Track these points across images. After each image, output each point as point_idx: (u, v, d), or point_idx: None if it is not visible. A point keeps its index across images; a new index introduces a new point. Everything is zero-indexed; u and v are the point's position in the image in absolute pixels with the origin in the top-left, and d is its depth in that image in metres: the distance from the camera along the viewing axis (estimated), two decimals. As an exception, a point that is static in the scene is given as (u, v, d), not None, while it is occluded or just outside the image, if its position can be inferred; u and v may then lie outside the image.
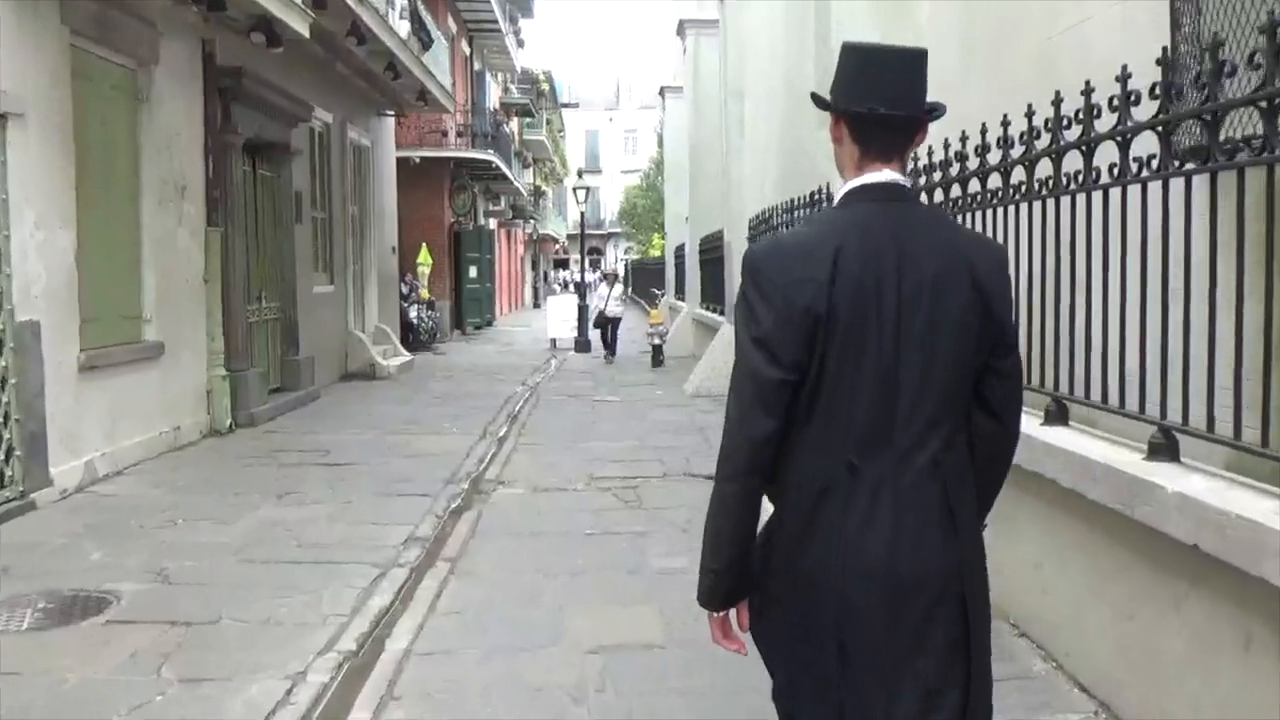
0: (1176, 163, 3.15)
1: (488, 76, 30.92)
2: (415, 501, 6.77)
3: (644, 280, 36.59)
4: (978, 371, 1.83)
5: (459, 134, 23.02)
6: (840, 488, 1.75)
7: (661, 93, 25.11)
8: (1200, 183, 3.06)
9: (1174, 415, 3.16)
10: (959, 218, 4.88)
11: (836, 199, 1.90)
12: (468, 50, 27.03)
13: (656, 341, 16.28)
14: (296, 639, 4.25)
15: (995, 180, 4.39)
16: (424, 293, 21.62)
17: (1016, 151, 4.18)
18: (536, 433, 9.68)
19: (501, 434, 9.73)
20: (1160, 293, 3.18)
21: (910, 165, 5.54)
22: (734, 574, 1.83)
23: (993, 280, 1.83)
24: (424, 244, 21.78)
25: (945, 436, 1.79)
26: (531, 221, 41.60)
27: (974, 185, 4.71)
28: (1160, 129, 3.19)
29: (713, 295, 15.41)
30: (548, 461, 8.16)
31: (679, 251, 22.69)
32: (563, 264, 63.84)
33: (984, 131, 4.45)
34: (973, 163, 4.66)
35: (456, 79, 25.09)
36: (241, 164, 10.17)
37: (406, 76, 14.37)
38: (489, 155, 23.76)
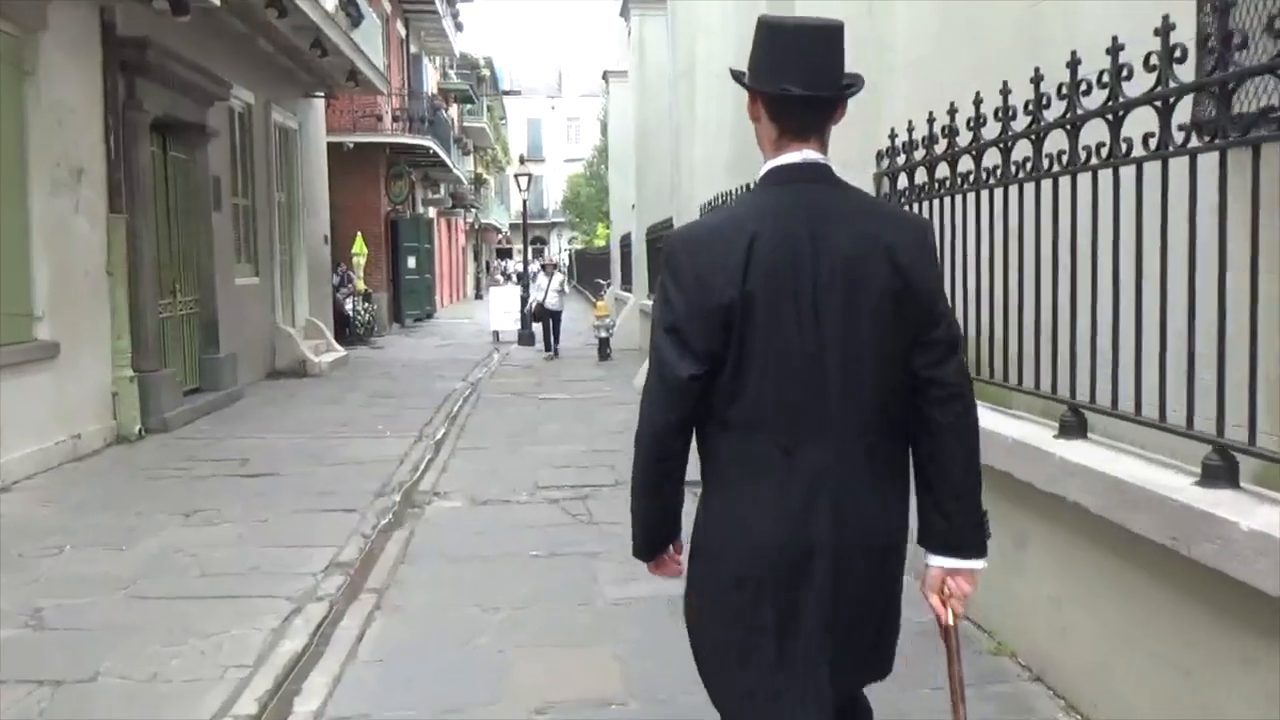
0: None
1: (425, 60, 29.91)
2: (340, 519, 6.08)
3: (589, 270, 35.89)
4: (908, 348, 1.81)
5: (395, 119, 22.10)
6: (775, 470, 1.78)
7: (605, 78, 24.41)
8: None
9: (1233, 431, 2.65)
10: (949, 200, 4.38)
11: (758, 180, 1.87)
12: (403, 32, 26.04)
13: (602, 335, 15.66)
14: (185, 701, 3.57)
15: (996, 158, 3.86)
16: (359, 284, 20.73)
17: (1021, 124, 3.65)
18: (477, 435, 9.01)
19: (439, 436, 9.05)
20: (1218, 285, 2.66)
21: (890, 142, 5.05)
22: (657, 533, 1.97)
23: (913, 257, 1.81)
24: (359, 233, 20.87)
25: (874, 417, 1.81)
26: (473, 211, 40.62)
27: (965, 164, 4.18)
28: (1158, 104, 2.86)
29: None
30: (489, 469, 7.51)
31: (625, 241, 22.08)
32: (505, 254, 62.79)
33: (978, 104, 3.93)
34: (964, 138, 4.14)
35: (391, 61, 24.13)
36: (149, 145, 9.32)
37: (335, 55, 13.51)
38: (426, 141, 22.86)
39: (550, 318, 16.43)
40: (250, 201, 12.83)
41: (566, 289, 16.39)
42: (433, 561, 5.23)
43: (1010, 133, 3.75)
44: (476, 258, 49.72)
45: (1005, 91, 3.74)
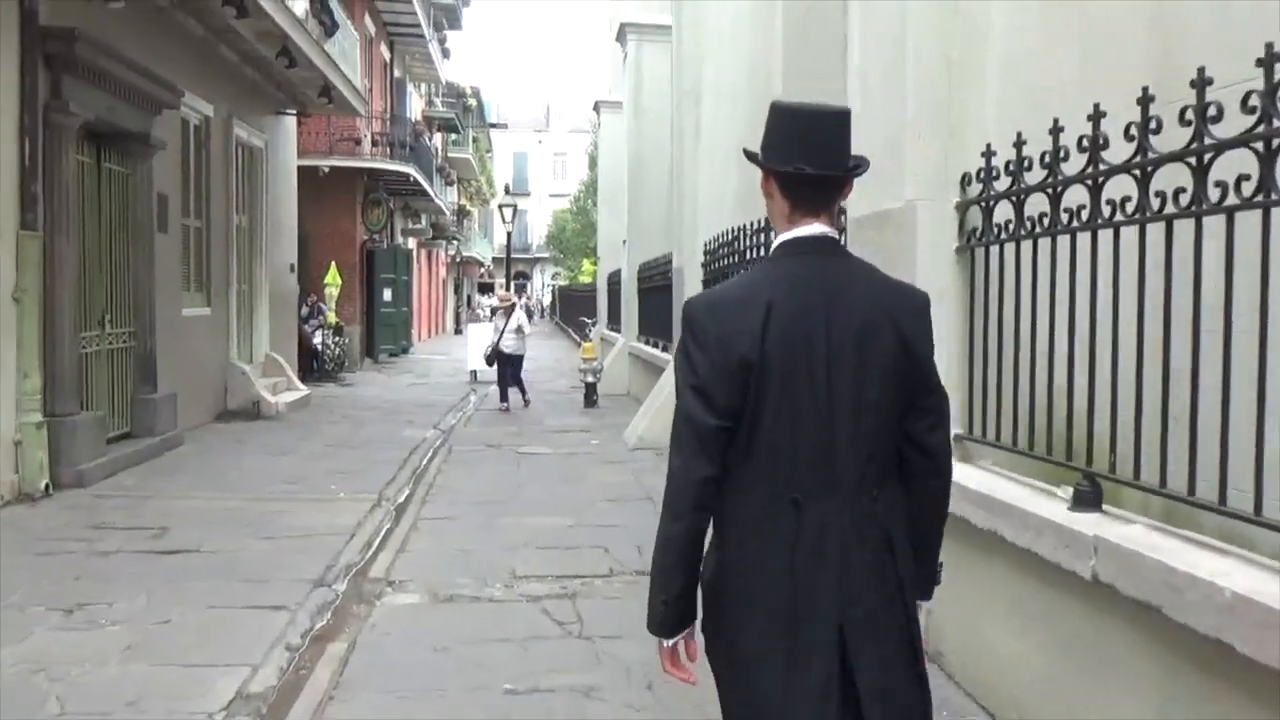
0: None
1: (409, 86, 28.87)
2: (265, 620, 4.79)
3: (573, 308, 34.73)
4: (903, 411, 1.95)
5: (374, 143, 20.94)
6: (788, 525, 1.88)
7: (596, 108, 23.39)
8: None
9: None
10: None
11: (771, 252, 2.02)
12: (388, 55, 25.01)
13: (589, 379, 14.42)
14: None
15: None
16: (330, 316, 19.44)
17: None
18: (446, 500, 7.73)
19: (401, 500, 7.76)
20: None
21: (984, 162, 3.93)
22: (683, 603, 1.95)
23: (914, 326, 1.96)
24: (333, 263, 19.61)
25: (879, 476, 1.93)
26: (454, 242, 39.41)
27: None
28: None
29: (655, 328, 13.65)
30: (457, 548, 6.23)
31: (614, 278, 20.92)
32: (488, 289, 61.62)
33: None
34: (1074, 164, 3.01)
35: (374, 84, 23.06)
36: (77, 153, 8.08)
37: (306, 67, 12.36)
38: (407, 168, 21.71)
39: (509, 364, 13.92)
40: (204, 224, 11.58)
41: (528, 329, 14.05)
42: (373, 698, 3.94)
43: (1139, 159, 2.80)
44: (457, 291, 48.48)
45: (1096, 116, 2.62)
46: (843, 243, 2.15)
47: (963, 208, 4.14)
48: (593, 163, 42.61)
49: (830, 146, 1.94)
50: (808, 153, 1.92)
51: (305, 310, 19.22)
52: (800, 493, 1.88)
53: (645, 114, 17.35)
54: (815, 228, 1.95)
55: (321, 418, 12.64)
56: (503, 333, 13.96)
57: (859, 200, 4.73)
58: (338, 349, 19.31)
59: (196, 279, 11.42)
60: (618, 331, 19.11)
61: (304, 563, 5.77)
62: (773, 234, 2.07)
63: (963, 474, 3.66)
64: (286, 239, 15.12)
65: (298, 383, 14.06)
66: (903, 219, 4.26)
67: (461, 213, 38.09)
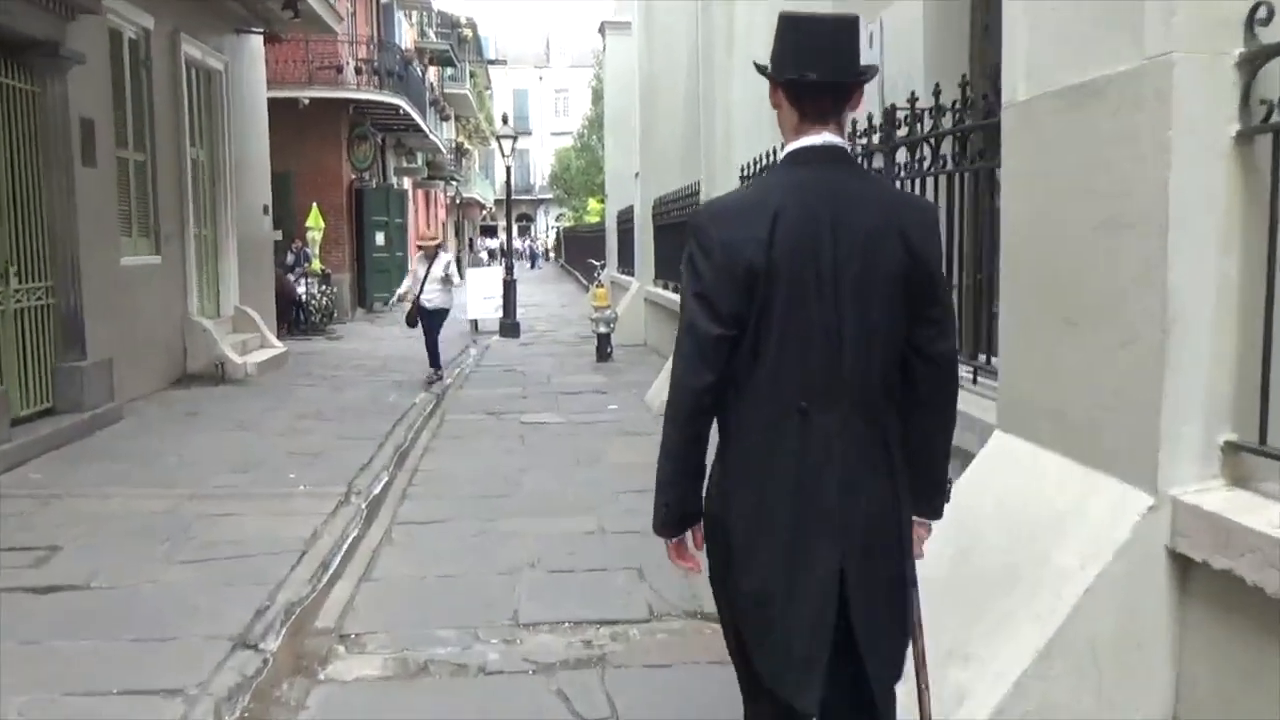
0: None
1: (399, 14, 26.79)
2: (150, 708, 3.24)
3: (579, 250, 32.95)
4: (909, 322, 1.93)
5: (358, 71, 19.05)
6: (793, 431, 1.89)
7: (601, 30, 21.38)
8: None
9: None
10: None
11: (780, 160, 2.01)
12: (373, -23, 22.95)
13: (602, 329, 12.76)
14: None
15: None
16: (315, 263, 17.77)
17: None
18: (430, 494, 6.15)
19: (377, 492, 6.21)
20: None
21: None
22: (684, 504, 1.99)
23: (922, 237, 1.93)
24: (314, 204, 17.87)
25: (884, 385, 1.93)
26: (454, 183, 37.50)
27: None
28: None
29: (676, 270, 11.93)
30: (439, 573, 4.66)
31: (624, 216, 19.16)
32: (490, 231, 59.75)
33: None
34: None
35: (357, 9, 21.09)
36: (-47, 62, 6.37)
37: (264, -30, 10.54)
38: (395, 99, 19.82)
39: (430, 320, 10.76)
40: (148, 157, 9.86)
41: (457, 278, 11.05)
42: None
43: None
44: (459, 234, 46.62)
45: None
46: (854, 152, 2.31)
47: (1250, 64, 2.47)
48: (597, 96, 40.49)
49: (838, 54, 1.92)
50: (815, 61, 1.90)
51: (291, 258, 17.58)
52: (807, 401, 1.87)
53: (658, 31, 15.45)
54: (823, 136, 1.94)
55: (297, 380, 11.05)
56: (423, 283, 10.61)
57: (1037, 72, 3.06)
58: (324, 299, 17.68)
59: (140, 222, 9.75)
60: (630, 274, 17.41)
61: (229, 602, 4.21)
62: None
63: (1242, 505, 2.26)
64: (258, 177, 13.40)
65: (273, 339, 12.44)
66: (1136, 89, 2.59)
67: (460, 151, 36.09)
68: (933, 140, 4.34)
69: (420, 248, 11.30)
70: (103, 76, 8.70)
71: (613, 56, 21.00)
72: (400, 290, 11.41)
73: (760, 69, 2.00)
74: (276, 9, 11.72)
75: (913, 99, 4.68)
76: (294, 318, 16.97)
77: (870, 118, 5.34)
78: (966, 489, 3.19)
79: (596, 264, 24.92)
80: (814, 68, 1.90)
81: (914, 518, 2.04)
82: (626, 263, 18.68)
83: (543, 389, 10.47)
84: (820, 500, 1.88)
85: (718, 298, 1.85)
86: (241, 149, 12.54)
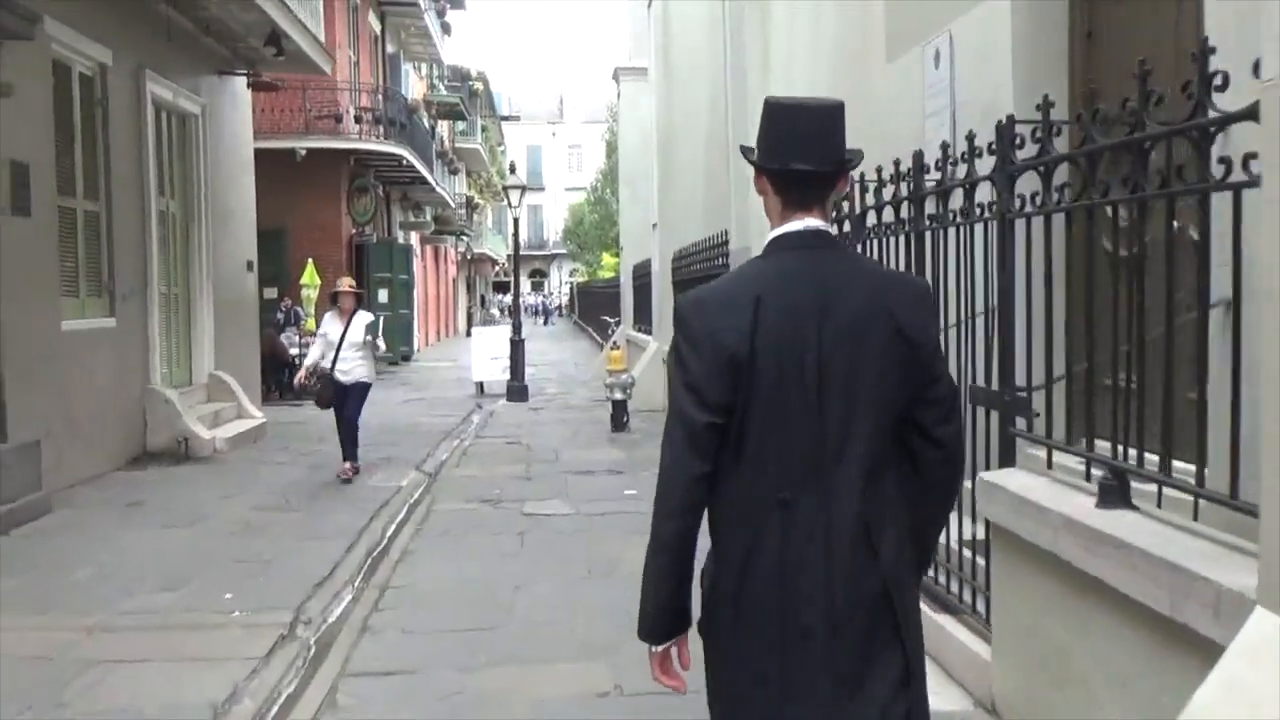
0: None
1: (405, 65, 26.04)
2: None
3: (593, 306, 31.85)
4: (908, 404, 1.91)
5: (358, 120, 18.07)
6: (775, 522, 1.85)
7: (616, 76, 20.43)
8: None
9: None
10: None
11: (764, 247, 2.00)
12: (377, 26, 22.16)
13: (618, 395, 11.46)
14: None
15: None
16: (309, 323, 16.58)
17: None
18: (399, 624, 4.80)
19: (330, 621, 4.87)
20: None
21: None
22: (673, 608, 1.90)
23: (912, 317, 1.90)
24: (310, 261, 16.76)
25: (870, 471, 1.88)
26: (464, 238, 36.57)
27: None
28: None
29: (699, 330, 10.66)
30: (390, 771, 3.30)
31: (640, 270, 17.98)
32: (503, 287, 58.89)
33: None
34: None
35: (361, 57, 20.24)
36: None
37: (241, 2, 9.47)
38: (398, 149, 18.80)
39: (345, 398, 8.33)
40: (101, 207, 8.71)
41: (381, 343, 8.67)
42: None
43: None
44: (470, 291, 45.67)
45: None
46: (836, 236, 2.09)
47: None
48: (611, 149, 39.72)
49: (823, 141, 1.91)
50: (799, 148, 1.89)
51: (280, 317, 16.44)
52: (788, 490, 1.85)
53: (676, 74, 14.41)
54: (807, 222, 1.93)
55: (272, 456, 9.77)
56: (338, 347, 8.14)
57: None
58: (320, 361, 16.44)
59: (91, 280, 8.56)
60: (647, 333, 16.16)
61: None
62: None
63: None
64: (241, 231, 12.26)
65: (251, 408, 11.17)
66: None
67: (470, 205, 35.20)
68: (1084, 160, 3.06)
69: (333, 299, 8.49)
70: (42, 114, 7.57)
71: (628, 104, 20.03)
72: (306, 363, 8.56)
73: (746, 156, 2.02)
74: (258, 46, 10.66)
75: (1047, 112, 3.39)
76: (285, 381, 15.78)
77: (942, 149, 4.08)
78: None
79: (611, 321, 23.78)
80: (799, 155, 1.90)
81: None
82: (643, 320, 17.46)
83: (550, 467, 9.13)
84: (803, 589, 1.84)
85: (705, 388, 1.85)
86: (222, 200, 11.42)
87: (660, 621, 1.90)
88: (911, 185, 4.57)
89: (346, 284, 8.60)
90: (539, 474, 8.80)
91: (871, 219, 5.27)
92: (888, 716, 1.86)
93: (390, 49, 23.50)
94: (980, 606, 3.97)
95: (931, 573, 4.45)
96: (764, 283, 1.90)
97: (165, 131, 10.14)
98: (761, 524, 1.85)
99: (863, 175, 5.40)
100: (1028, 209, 3.51)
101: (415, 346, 25.46)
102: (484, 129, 40.35)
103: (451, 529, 6.71)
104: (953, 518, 4.71)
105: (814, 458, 1.85)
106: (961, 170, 4.18)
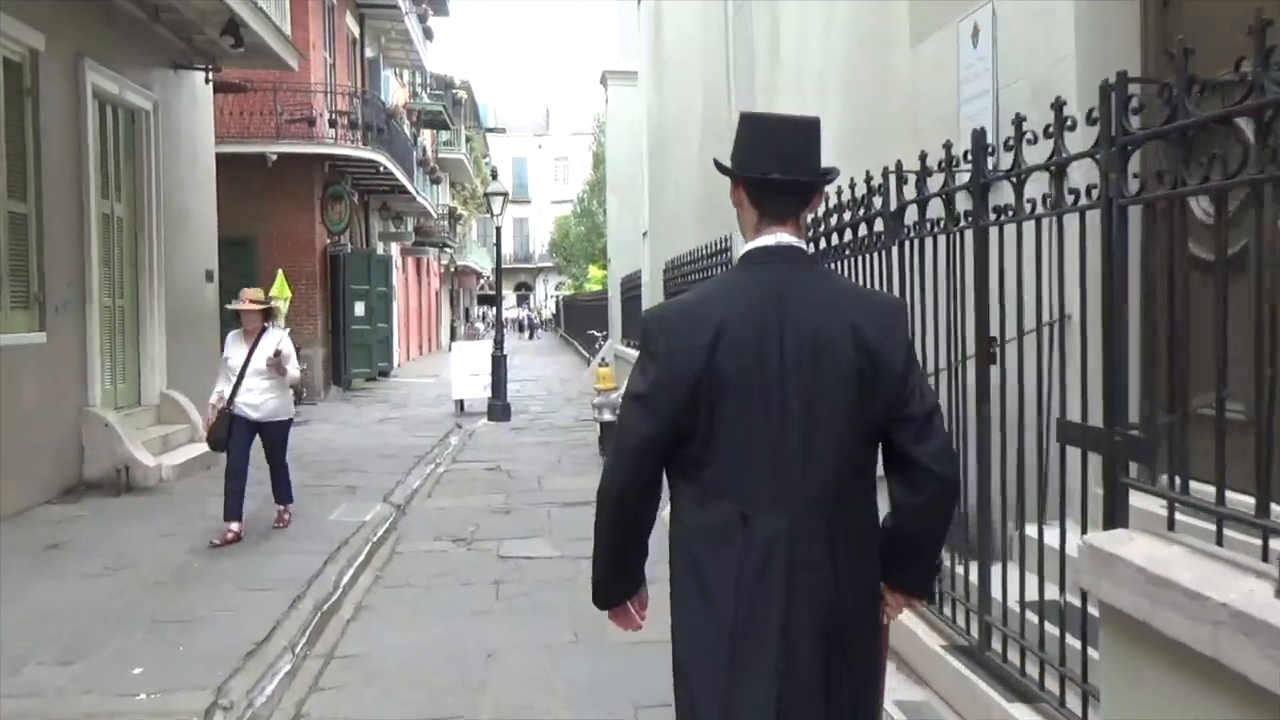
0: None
1: (387, 72, 25.18)
2: None
3: (580, 320, 30.98)
4: (886, 425, 1.90)
5: (332, 124, 17.17)
6: (735, 540, 1.85)
7: (603, 80, 19.65)
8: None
9: None
10: None
11: (736, 262, 2.02)
12: (355, 29, 21.30)
13: (606, 417, 10.56)
14: None
15: None
16: (279, 338, 15.64)
17: None
18: (339, 711, 3.91)
19: (257, 705, 3.97)
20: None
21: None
22: (610, 582, 2.05)
23: (879, 333, 1.89)
24: (280, 272, 15.81)
25: (836, 492, 1.88)
26: (447, 250, 35.67)
27: None
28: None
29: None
30: None
31: (629, 282, 17.14)
32: (488, 300, 57.97)
33: None
34: None
35: (338, 60, 19.37)
36: None
37: (191, -16, 8.62)
38: (374, 155, 17.91)
39: (249, 438, 6.74)
40: (31, 209, 7.80)
41: (294, 369, 6.83)
42: None
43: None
44: (454, 304, 44.74)
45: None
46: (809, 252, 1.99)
47: None
48: (598, 160, 38.98)
49: (799, 155, 1.92)
50: (775, 160, 1.90)
51: (247, 331, 15.48)
52: (749, 507, 1.85)
53: (668, 75, 13.62)
54: (779, 237, 1.93)
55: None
56: (241, 374, 6.60)
57: None
58: (291, 377, 15.50)
59: (16, 291, 7.64)
60: (638, 348, 15.33)
61: None
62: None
63: None
64: (199, 238, 11.37)
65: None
66: None
67: (453, 216, 34.30)
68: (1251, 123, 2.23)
69: (238, 316, 6.77)
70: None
71: (616, 108, 19.24)
72: (212, 399, 6.80)
73: (721, 167, 2.02)
74: (214, 36, 9.78)
75: (1185, 59, 2.56)
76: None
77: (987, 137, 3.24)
78: None
79: (598, 335, 22.90)
80: (776, 167, 1.90)
81: (904, 589, 2.04)
82: (633, 334, 16.62)
83: (532, 498, 8.25)
84: (760, 609, 1.84)
85: (656, 400, 1.86)
86: (177, 204, 10.53)
87: (600, 591, 2.04)
88: (972, 172, 3.73)
89: (248, 298, 6.80)
90: (519, 506, 7.91)
91: (910, 216, 4.45)
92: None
93: (369, 53, 22.65)
94: (1073, 702, 3.13)
95: (996, 644, 3.62)
96: (729, 299, 1.89)
97: (110, 127, 9.24)
98: (723, 539, 1.85)
99: (899, 164, 4.59)
100: (1153, 191, 2.68)
101: (395, 361, 24.51)
102: (469, 139, 39.51)
103: (416, 577, 5.81)
104: (1011, 573, 3.90)
105: (777, 476, 1.85)
106: (1033, 152, 3.36)
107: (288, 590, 5.45)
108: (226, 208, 16.41)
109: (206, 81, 10.95)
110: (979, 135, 3.69)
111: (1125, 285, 2.85)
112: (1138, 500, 2.90)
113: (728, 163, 2.01)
